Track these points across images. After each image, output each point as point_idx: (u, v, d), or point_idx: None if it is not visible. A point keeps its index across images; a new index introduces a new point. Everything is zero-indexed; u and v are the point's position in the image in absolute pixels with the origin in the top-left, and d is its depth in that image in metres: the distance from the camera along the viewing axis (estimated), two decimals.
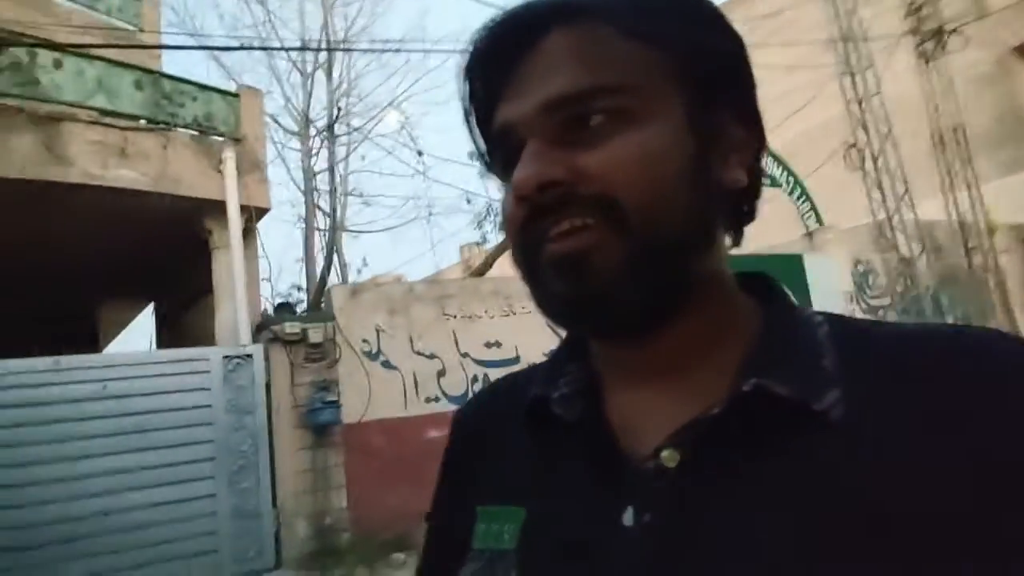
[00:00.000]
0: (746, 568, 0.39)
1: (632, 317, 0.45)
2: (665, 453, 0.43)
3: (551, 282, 0.44)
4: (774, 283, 0.51)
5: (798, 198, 9.93)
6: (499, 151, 0.48)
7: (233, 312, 6.35)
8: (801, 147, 10.25)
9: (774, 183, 9.55)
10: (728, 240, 0.51)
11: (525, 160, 0.44)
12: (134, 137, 6.11)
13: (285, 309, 6.97)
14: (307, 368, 6.02)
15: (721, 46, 0.48)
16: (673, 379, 0.47)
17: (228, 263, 6.50)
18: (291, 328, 5.96)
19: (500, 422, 0.56)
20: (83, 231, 6.68)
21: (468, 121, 0.51)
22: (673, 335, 0.47)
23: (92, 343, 9.10)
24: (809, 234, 9.30)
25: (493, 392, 0.61)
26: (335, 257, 10.40)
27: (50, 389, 5.04)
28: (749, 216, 0.51)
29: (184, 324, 8.49)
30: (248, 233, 7.01)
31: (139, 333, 9.53)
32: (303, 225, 11.19)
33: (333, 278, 9.58)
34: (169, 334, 8.89)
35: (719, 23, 0.49)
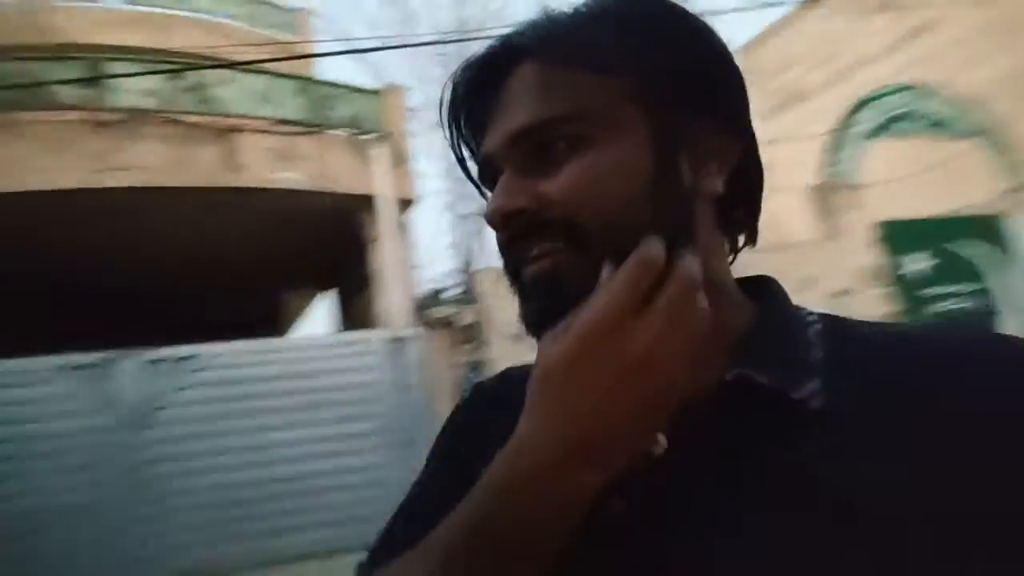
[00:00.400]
0: (716, 545, 0.41)
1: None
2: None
3: (529, 300, 0.48)
4: (773, 284, 0.53)
5: (994, 150, 8.36)
6: (487, 180, 0.52)
7: (391, 298, 6.80)
8: (1001, 90, 8.36)
9: (963, 134, 8.34)
10: (742, 239, 0.53)
11: (496, 191, 0.48)
12: (295, 141, 6.69)
13: (437, 295, 7.34)
14: (459, 350, 6.32)
15: (684, 60, 0.48)
16: None
17: (383, 253, 6.97)
18: (442, 312, 6.28)
19: (509, 402, 0.54)
20: (259, 229, 7.44)
21: (455, 152, 0.54)
22: None
23: (277, 328, 10.16)
24: (1013, 191, 7.85)
25: (511, 374, 0.63)
26: (479, 243, 10.75)
27: (246, 370, 5.73)
28: (749, 218, 0.53)
29: (356, 309, 9.22)
30: (401, 223, 7.45)
31: (320, 318, 10.45)
32: (451, 213, 11.70)
33: (481, 263, 9.92)
34: (345, 318, 9.69)
35: (686, 36, 0.49)
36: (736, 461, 0.43)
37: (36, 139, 5.89)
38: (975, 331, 0.46)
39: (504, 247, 0.49)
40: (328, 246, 8.13)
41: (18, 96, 5.89)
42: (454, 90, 0.51)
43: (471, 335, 6.37)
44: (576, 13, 0.49)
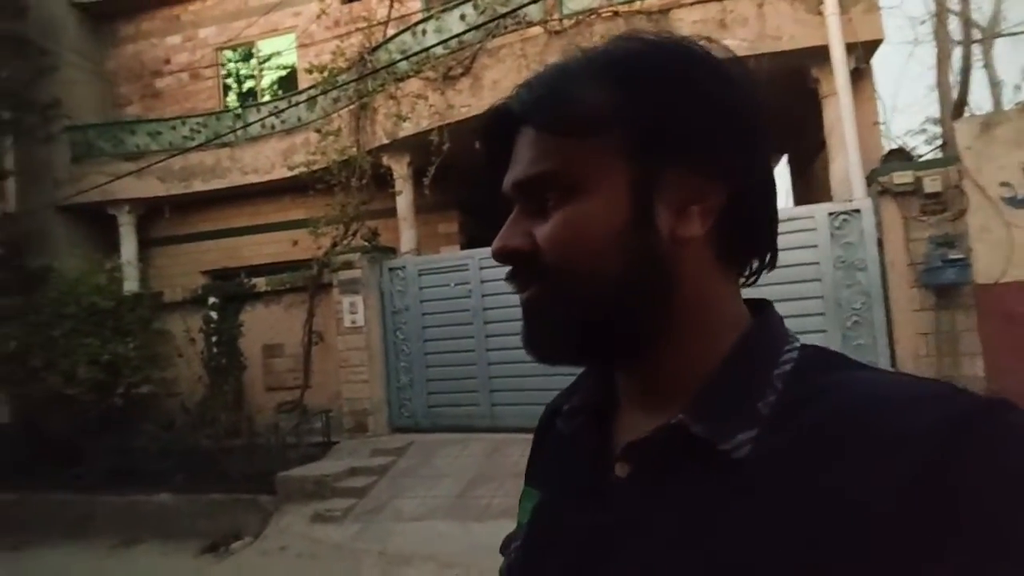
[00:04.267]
0: (644, 566, 0.47)
1: (569, 355, 0.54)
2: (619, 465, 0.53)
3: (524, 324, 0.56)
4: (766, 311, 0.55)
5: None
6: (507, 210, 0.58)
7: (844, 164, 6.07)
8: None
9: None
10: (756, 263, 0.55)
11: (503, 229, 0.55)
12: (731, 6, 6.32)
13: (897, 157, 6.16)
14: (923, 222, 5.32)
15: (664, 113, 0.51)
16: (652, 401, 0.54)
17: (838, 111, 6.19)
18: (901, 178, 5.32)
19: (548, 421, 0.68)
20: None
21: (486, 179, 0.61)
22: (651, 364, 0.54)
23: None
24: None
25: (563, 392, 0.69)
26: (974, 76, 8.33)
27: None
28: (753, 248, 0.55)
29: (809, 178, 8.54)
30: (858, 74, 6.43)
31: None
32: (934, 45, 9.31)
33: (977, 105, 7.77)
34: (798, 188, 9.11)
35: (671, 88, 0.51)
36: (671, 495, 0.49)
37: (509, 58, 7.06)
38: (908, 377, 0.48)
39: (507, 278, 0.56)
40: (776, 109, 7.59)
41: (496, 24, 7.11)
42: (480, 137, 0.60)
43: (941, 204, 5.25)
44: (567, 74, 0.54)
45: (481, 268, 6.95)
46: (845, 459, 0.42)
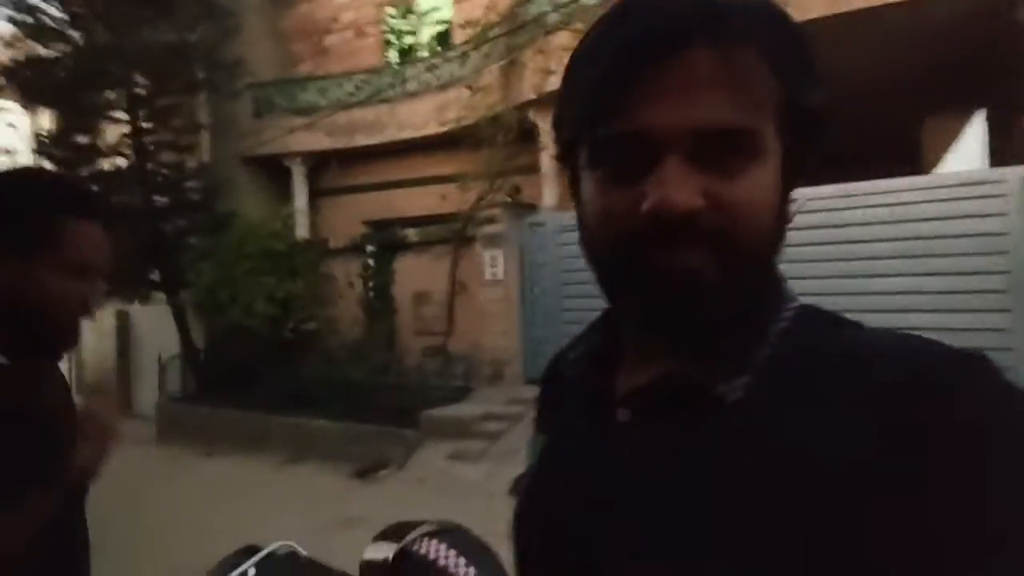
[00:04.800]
0: (649, 510, 0.49)
1: (711, 329, 0.50)
2: (620, 410, 0.55)
3: (652, 290, 0.48)
4: (773, 269, 0.55)
5: None
6: (615, 148, 0.48)
7: None
8: None
9: None
10: None
11: (671, 180, 0.45)
12: None
13: None
14: None
15: (816, 97, 0.50)
16: (668, 352, 0.53)
17: None
18: None
19: (554, 370, 0.69)
20: (887, 49, 6.68)
21: (578, 88, 0.51)
22: (700, 329, 0.51)
23: (913, 161, 9.15)
24: None
25: (572, 342, 0.68)
26: None
27: (842, 213, 5.61)
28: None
29: (1010, 134, 7.46)
30: None
31: (969, 147, 8.89)
32: None
33: None
34: (996, 145, 8.00)
35: (817, 73, 0.50)
36: (671, 436, 0.50)
37: None
38: (896, 333, 0.48)
39: (644, 231, 0.46)
40: (971, 58, 6.69)
41: None
42: (615, 31, 0.49)
43: None
44: (755, 3, 0.48)
45: None
46: (832, 406, 0.44)
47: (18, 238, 1.02)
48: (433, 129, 9.83)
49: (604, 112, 0.48)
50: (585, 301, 7.17)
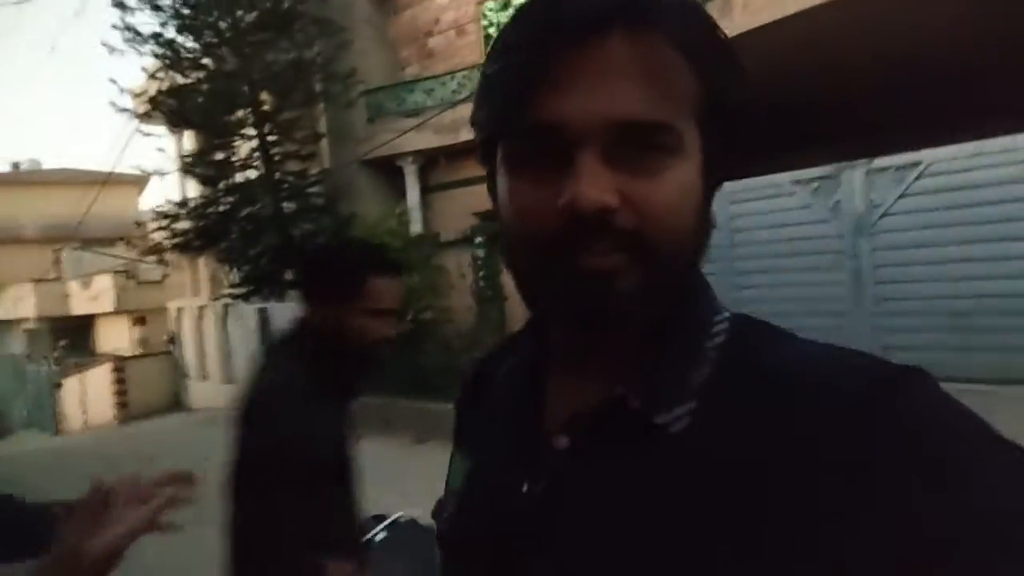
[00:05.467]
0: (584, 542, 0.47)
1: (631, 329, 0.49)
2: (556, 437, 0.52)
3: (568, 292, 0.46)
4: (697, 276, 0.54)
5: None
6: (529, 143, 0.46)
7: None
8: None
9: None
10: None
11: (584, 176, 0.43)
12: None
13: None
14: None
15: (737, 94, 0.48)
16: (592, 367, 0.52)
17: None
18: None
19: (477, 385, 0.66)
20: None
21: (492, 69, 0.49)
22: (626, 338, 0.50)
23: None
24: None
25: (485, 358, 0.69)
26: None
27: (974, 174, 5.19)
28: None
29: None
30: None
31: None
32: None
33: None
34: None
35: (737, 64, 0.48)
36: (611, 466, 0.48)
37: None
38: (833, 348, 0.47)
39: (561, 232, 0.44)
40: None
41: None
42: (528, 22, 0.47)
43: None
44: (675, 1, 0.46)
45: (731, 203, 6.71)
46: (779, 433, 0.43)
47: (337, 291, 1.40)
48: None
49: (518, 104, 0.46)
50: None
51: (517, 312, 9.31)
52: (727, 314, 0.52)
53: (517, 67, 0.46)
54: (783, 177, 6.19)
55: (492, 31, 12.39)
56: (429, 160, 11.94)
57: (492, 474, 0.56)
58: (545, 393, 0.56)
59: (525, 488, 0.51)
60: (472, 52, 12.27)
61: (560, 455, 0.51)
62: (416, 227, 11.20)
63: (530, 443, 0.54)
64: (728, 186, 6.72)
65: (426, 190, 12.33)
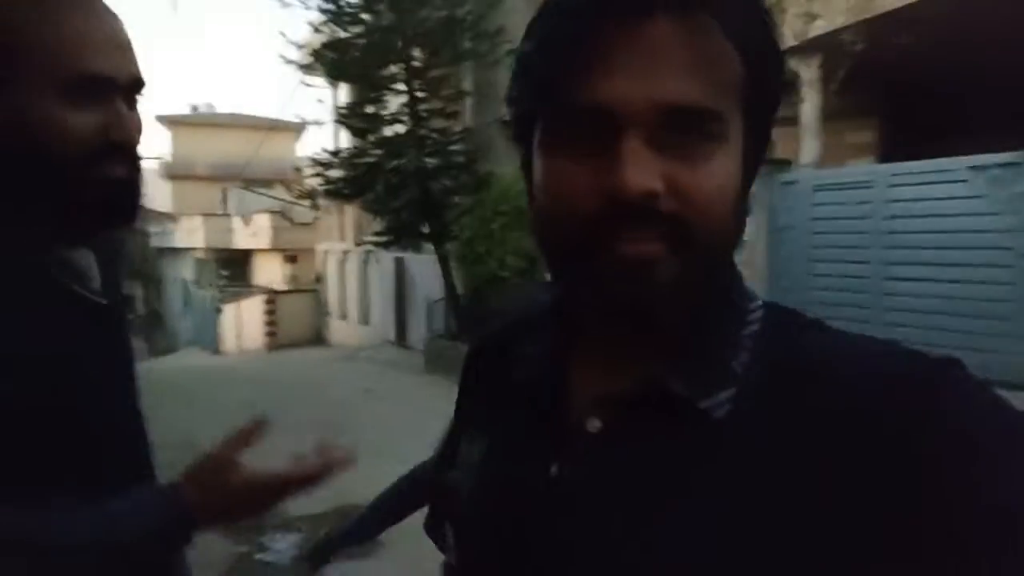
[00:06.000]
0: (621, 523, 0.46)
1: (668, 321, 0.48)
2: (589, 420, 0.51)
3: (607, 279, 0.45)
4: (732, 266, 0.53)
5: None
6: (572, 124, 0.45)
7: None
8: None
9: None
10: None
11: (631, 160, 0.42)
12: None
13: None
14: None
15: (778, 73, 0.49)
16: (631, 357, 0.51)
17: None
18: None
19: (492, 361, 0.63)
20: None
21: (531, 55, 0.48)
22: (662, 325, 0.49)
23: None
24: None
25: (497, 332, 0.66)
26: None
27: None
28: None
29: None
30: None
31: None
32: None
33: None
34: None
35: (781, 53, 0.49)
36: (649, 451, 0.48)
37: None
38: (865, 338, 0.48)
39: (600, 215, 0.44)
40: None
41: None
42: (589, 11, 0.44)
43: None
44: None
45: (890, 187, 6.18)
46: (818, 420, 0.43)
47: None
48: None
49: (560, 85, 0.44)
50: (837, 266, 6.62)
51: None
52: (760, 302, 0.52)
53: (560, 44, 0.44)
54: (956, 162, 5.60)
55: None
56: None
57: (513, 455, 0.55)
58: (568, 376, 0.54)
59: (554, 470, 0.51)
60: None
61: (592, 438, 0.50)
62: None
63: (556, 425, 0.52)
64: (887, 168, 6.24)
65: None
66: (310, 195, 13.47)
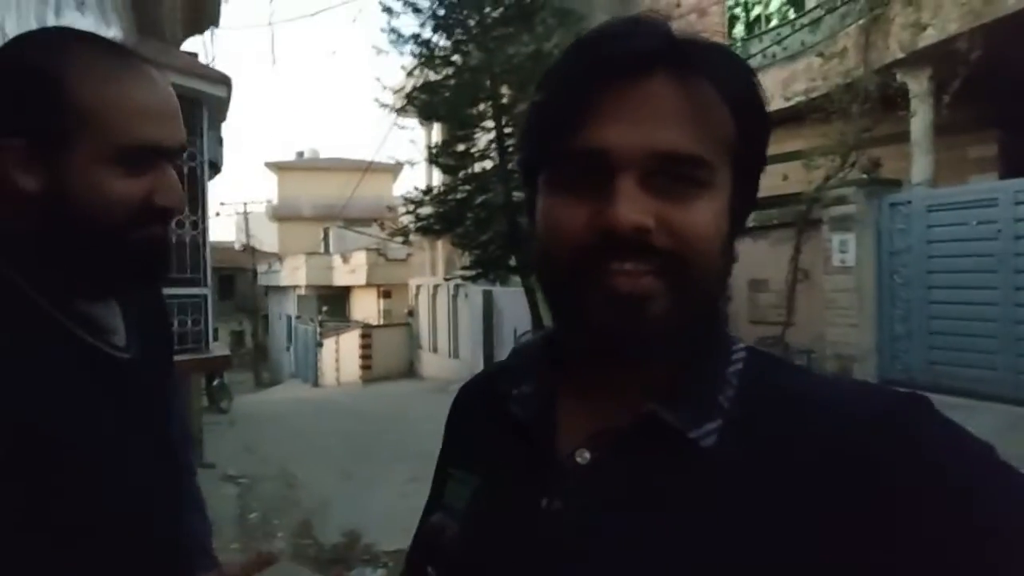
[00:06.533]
0: (615, 552, 0.48)
1: (658, 355, 0.51)
2: (579, 452, 0.52)
3: (600, 314, 0.48)
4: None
5: None
6: (572, 166, 0.50)
7: None
8: None
9: None
10: None
11: (624, 197, 0.46)
12: None
13: None
14: None
15: (765, 132, 0.53)
16: (610, 389, 0.54)
17: None
18: None
19: (483, 403, 0.64)
20: None
21: (544, 119, 0.52)
22: (650, 361, 0.52)
23: None
24: None
25: (487, 376, 0.69)
26: None
27: None
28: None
29: None
30: None
31: None
32: None
33: None
34: None
35: (765, 108, 0.53)
36: (641, 481, 0.50)
37: None
38: (839, 378, 0.54)
39: (594, 248, 0.47)
40: None
41: None
42: (582, 53, 0.51)
43: None
44: (715, 45, 0.51)
45: (1017, 204, 5.61)
46: (800, 453, 0.46)
47: None
48: (777, 105, 9.18)
49: (564, 131, 0.49)
50: (958, 293, 6.06)
51: (742, 312, 8.77)
52: (742, 344, 0.55)
53: (565, 98, 0.50)
54: None
55: (737, 11, 11.73)
56: None
57: (504, 491, 0.56)
58: (559, 411, 0.56)
59: (544, 503, 0.52)
60: (715, 34, 11.65)
61: (583, 469, 0.52)
62: None
63: (547, 460, 0.54)
64: (1012, 184, 5.69)
65: None
66: (403, 232, 13.88)
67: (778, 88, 9.29)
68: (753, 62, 9.84)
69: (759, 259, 8.50)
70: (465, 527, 0.57)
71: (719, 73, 0.49)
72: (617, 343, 0.49)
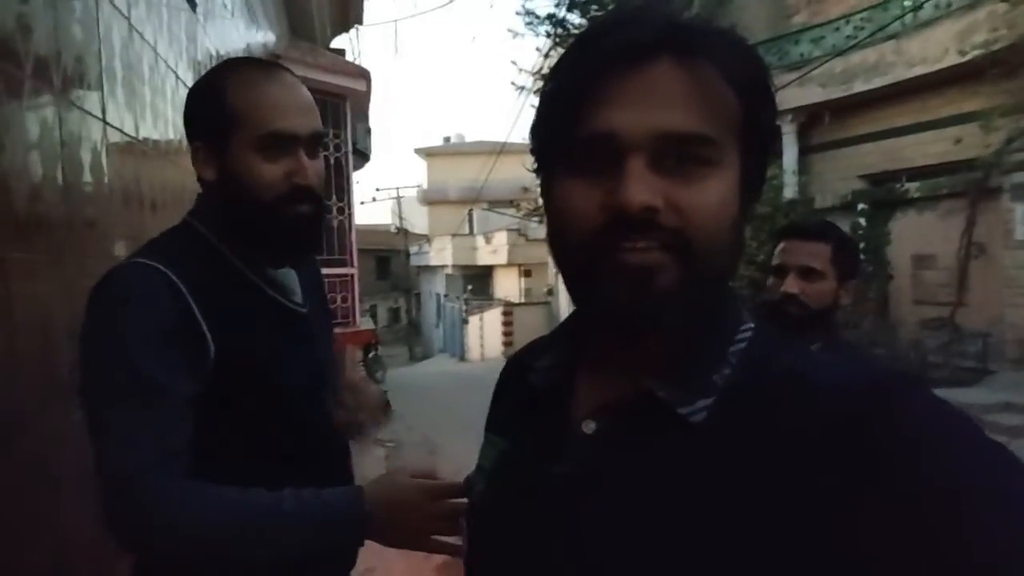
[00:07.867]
0: (605, 520, 0.51)
1: (665, 327, 0.52)
2: (585, 423, 0.56)
3: (610, 287, 0.50)
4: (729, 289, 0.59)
5: None
6: (583, 150, 0.51)
7: None
8: None
9: None
10: None
11: (633, 178, 0.48)
12: None
13: None
14: None
15: (771, 112, 0.55)
16: (627, 368, 0.55)
17: None
18: None
19: (518, 374, 0.68)
20: None
21: (553, 104, 0.54)
22: (658, 337, 0.54)
23: None
24: None
25: (528, 348, 0.72)
26: None
27: None
28: None
29: None
30: None
31: None
32: None
33: None
34: None
35: (771, 89, 0.55)
36: (638, 451, 0.52)
37: None
38: (839, 357, 0.54)
39: (605, 227, 0.49)
40: None
41: None
42: (589, 42, 0.53)
43: None
44: (718, 29, 0.53)
45: None
46: (787, 432, 0.47)
47: None
48: (951, 60, 8.24)
49: (574, 116, 0.51)
50: None
51: (905, 291, 8.00)
52: (752, 325, 0.56)
53: (575, 84, 0.51)
54: None
55: None
56: (811, 117, 10.88)
57: (523, 456, 0.61)
58: (576, 384, 0.60)
59: (554, 469, 0.56)
60: None
61: (587, 439, 0.55)
62: (789, 192, 10.37)
63: (560, 428, 0.58)
64: None
65: (805, 151, 11.29)
66: (540, 212, 14.05)
67: (953, 41, 8.29)
68: (923, 14, 8.88)
69: (925, 232, 7.70)
70: (488, 485, 0.64)
71: (722, 56, 0.50)
72: (626, 315, 0.51)
